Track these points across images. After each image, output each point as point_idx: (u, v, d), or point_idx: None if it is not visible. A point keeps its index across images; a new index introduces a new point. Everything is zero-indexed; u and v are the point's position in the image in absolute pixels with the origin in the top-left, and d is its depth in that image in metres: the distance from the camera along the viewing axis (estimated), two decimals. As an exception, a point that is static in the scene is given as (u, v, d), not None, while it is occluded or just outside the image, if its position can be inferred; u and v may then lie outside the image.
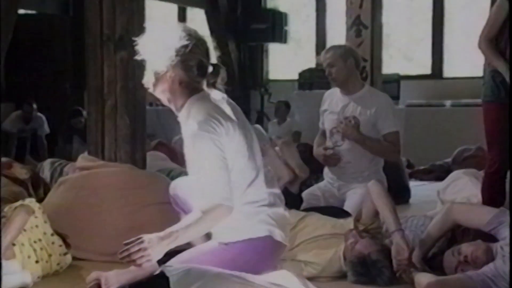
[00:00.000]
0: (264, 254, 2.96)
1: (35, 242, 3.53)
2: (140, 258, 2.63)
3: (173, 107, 3.02)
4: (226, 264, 2.82)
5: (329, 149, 4.73)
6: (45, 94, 10.64)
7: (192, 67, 2.91)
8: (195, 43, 2.91)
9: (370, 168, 4.68)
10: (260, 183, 2.98)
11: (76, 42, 10.65)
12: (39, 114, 10.23)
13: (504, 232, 3.20)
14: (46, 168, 6.03)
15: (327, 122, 4.83)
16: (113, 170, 4.21)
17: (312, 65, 10.78)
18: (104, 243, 3.88)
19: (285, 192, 4.07)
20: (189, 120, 2.90)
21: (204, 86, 2.98)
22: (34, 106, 10.12)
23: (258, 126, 10.32)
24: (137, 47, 2.96)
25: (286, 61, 11.75)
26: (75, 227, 3.96)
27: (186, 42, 2.89)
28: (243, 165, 2.92)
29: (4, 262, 3.29)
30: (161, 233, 2.70)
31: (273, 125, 10.21)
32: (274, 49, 11.64)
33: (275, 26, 10.69)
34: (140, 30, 3.05)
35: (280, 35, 10.79)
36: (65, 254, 3.68)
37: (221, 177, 2.79)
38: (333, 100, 4.81)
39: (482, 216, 3.33)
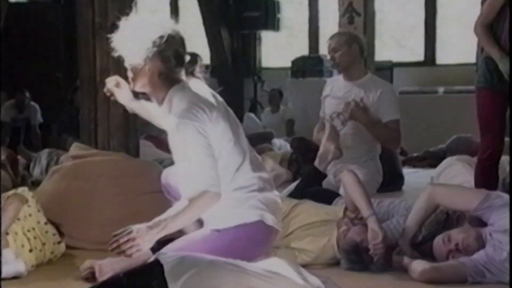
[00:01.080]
0: (257, 239, 2.99)
1: (28, 231, 3.52)
2: (129, 248, 2.64)
3: (154, 101, 3.05)
4: (219, 250, 2.83)
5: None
6: (38, 83, 10.61)
7: (169, 58, 2.93)
8: (170, 33, 2.93)
9: (368, 154, 4.69)
10: (247, 167, 3.00)
11: (68, 30, 10.61)
12: (32, 103, 10.19)
13: (493, 218, 3.20)
14: (43, 157, 6.04)
15: (328, 106, 4.82)
16: (107, 158, 4.21)
17: (305, 53, 10.78)
18: (97, 232, 3.88)
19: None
20: (171, 110, 2.92)
21: (183, 76, 3.00)
22: (27, 94, 10.08)
23: (251, 114, 10.34)
24: (112, 44, 2.97)
25: (279, 48, 11.70)
26: (69, 216, 3.95)
27: (161, 33, 2.90)
28: (230, 150, 2.95)
29: None
30: (150, 223, 2.72)
31: (267, 113, 10.21)
32: (267, 37, 11.59)
33: (267, 14, 10.65)
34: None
35: (272, 23, 10.74)
36: (58, 243, 3.67)
37: (206, 164, 2.81)
38: (335, 86, 4.82)
39: (468, 199, 3.33)
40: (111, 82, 3.37)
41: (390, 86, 4.86)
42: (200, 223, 3.08)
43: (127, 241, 2.64)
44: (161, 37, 2.90)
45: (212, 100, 3.00)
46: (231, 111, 3.11)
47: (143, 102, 3.41)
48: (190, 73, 3.02)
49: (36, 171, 6.14)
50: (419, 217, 3.45)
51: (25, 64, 10.81)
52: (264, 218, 2.98)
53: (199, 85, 3.04)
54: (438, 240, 3.37)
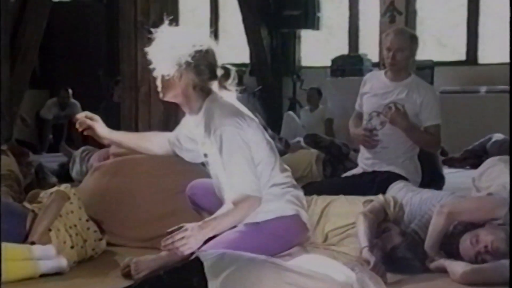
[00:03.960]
0: (294, 232, 3.12)
1: (70, 227, 3.56)
2: (183, 246, 2.76)
3: (186, 110, 3.14)
4: (259, 242, 2.95)
5: (367, 130, 4.65)
6: (79, 81, 10.74)
7: (204, 71, 3.04)
8: (204, 46, 3.03)
9: (406, 154, 4.62)
10: (279, 167, 3.14)
11: (109, 29, 10.72)
12: (74, 100, 10.32)
13: None
14: (77, 157, 6.06)
15: (367, 104, 4.74)
16: (146, 156, 4.21)
17: (345, 51, 10.72)
18: (138, 229, 3.91)
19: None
20: (211, 120, 3.01)
21: (215, 88, 3.10)
22: (70, 92, 10.22)
23: (291, 112, 10.31)
24: (149, 57, 3.06)
25: (318, 47, 11.66)
26: (110, 213, 3.98)
27: (195, 47, 3.00)
28: (267, 152, 3.09)
29: (40, 247, 3.35)
30: (200, 222, 2.86)
31: (305, 112, 10.18)
32: (306, 36, 11.56)
33: (307, 13, 10.62)
34: (174, 16, 3.08)
35: (312, 22, 10.72)
36: (100, 239, 3.70)
37: (249, 171, 2.95)
38: (375, 83, 4.72)
39: (489, 209, 3.31)
40: (83, 118, 3.45)
41: (433, 90, 4.77)
42: None
43: (181, 238, 2.75)
44: (196, 50, 2.99)
45: (244, 109, 3.14)
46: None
47: (123, 132, 3.55)
48: (223, 87, 3.12)
49: (74, 171, 6.16)
50: (439, 239, 3.43)
51: (66, 62, 10.96)
52: (300, 213, 3.12)
53: (231, 96, 3.14)
54: (465, 241, 3.34)
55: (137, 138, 3.58)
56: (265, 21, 11.11)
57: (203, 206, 3.32)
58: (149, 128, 4.32)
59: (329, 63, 10.36)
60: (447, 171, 6.32)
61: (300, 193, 3.20)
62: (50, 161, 7.29)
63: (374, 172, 4.56)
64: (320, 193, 3.98)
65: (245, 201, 2.92)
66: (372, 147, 4.64)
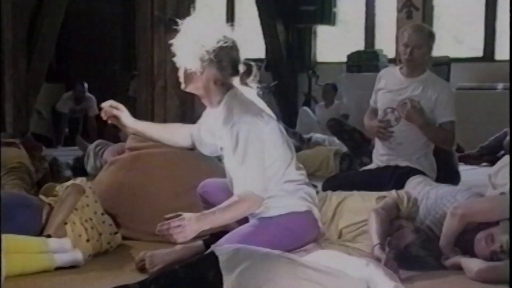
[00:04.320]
0: (306, 228, 3.14)
1: (86, 221, 3.58)
2: (177, 234, 2.81)
3: (206, 103, 3.19)
4: (273, 236, 2.99)
5: (382, 122, 4.62)
6: (94, 75, 10.77)
7: (226, 67, 3.06)
8: (228, 42, 3.04)
9: (421, 151, 4.61)
10: (294, 164, 3.17)
11: (125, 23, 10.73)
12: (89, 94, 10.35)
13: None
14: (91, 152, 6.07)
15: (382, 100, 4.72)
16: (163, 151, 4.21)
17: (361, 47, 10.68)
18: (153, 224, 3.86)
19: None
20: (229, 114, 3.03)
21: (236, 83, 3.12)
22: (86, 86, 10.25)
23: (306, 108, 10.29)
24: (172, 49, 3.08)
25: (334, 43, 11.61)
26: (125, 207, 4.00)
27: (219, 42, 3.01)
28: (284, 149, 3.12)
29: (56, 240, 3.37)
30: (198, 214, 2.90)
31: (321, 108, 10.15)
32: (322, 31, 11.52)
33: (323, 8, 10.59)
34: (190, 11, 3.08)
35: (328, 17, 10.68)
36: (115, 233, 3.72)
37: (258, 169, 2.97)
38: (390, 79, 4.70)
39: (502, 208, 3.27)
40: (108, 107, 3.45)
41: (449, 86, 4.75)
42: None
43: (178, 226, 2.80)
44: (220, 46, 3.01)
45: (263, 106, 3.16)
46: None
47: (147, 122, 3.57)
48: (244, 83, 3.16)
49: (89, 166, 6.16)
50: (453, 239, 3.43)
51: (82, 56, 10.99)
52: (312, 210, 3.16)
53: (252, 93, 3.17)
54: (480, 241, 3.33)
55: (161, 129, 3.58)
56: (281, 16, 11.08)
57: (215, 204, 3.29)
58: (164, 122, 4.31)
59: (345, 59, 10.32)
60: (463, 168, 6.27)
61: (312, 190, 3.23)
62: (66, 154, 7.32)
63: (395, 165, 4.54)
64: (339, 185, 4.01)
65: (247, 198, 2.95)
66: (385, 139, 4.63)
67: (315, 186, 3.63)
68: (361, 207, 3.69)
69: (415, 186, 4.09)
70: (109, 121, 3.48)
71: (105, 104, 3.46)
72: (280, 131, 3.13)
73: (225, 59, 3.04)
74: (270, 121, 3.08)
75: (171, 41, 3.08)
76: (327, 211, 3.68)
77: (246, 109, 3.02)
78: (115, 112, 3.43)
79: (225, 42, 3.03)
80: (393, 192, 3.72)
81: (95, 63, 10.99)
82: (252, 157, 2.96)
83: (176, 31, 3.08)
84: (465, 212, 3.42)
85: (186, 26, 3.07)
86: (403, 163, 4.56)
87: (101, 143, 6.17)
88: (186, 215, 2.85)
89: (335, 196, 3.80)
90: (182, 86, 3.15)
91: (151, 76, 4.33)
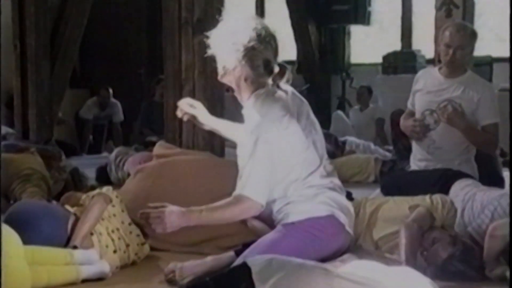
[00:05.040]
0: (329, 233, 3.09)
1: (113, 231, 3.54)
2: (155, 224, 2.92)
3: (238, 97, 3.24)
4: (296, 242, 2.99)
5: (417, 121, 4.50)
6: (119, 80, 10.72)
7: (259, 66, 3.10)
8: (265, 41, 3.08)
9: (461, 156, 4.47)
10: (320, 173, 3.16)
11: (151, 26, 10.68)
12: (114, 100, 10.30)
13: None
14: (112, 164, 5.91)
15: (420, 102, 4.60)
16: (191, 158, 4.18)
17: (397, 48, 10.53)
18: (181, 234, 3.78)
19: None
20: (249, 115, 3.13)
21: (269, 81, 3.16)
22: (110, 91, 10.19)
23: (339, 112, 10.17)
24: (208, 41, 3.15)
25: (369, 44, 11.53)
26: (153, 216, 3.91)
27: (255, 42, 3.05)
28: (304, 156, 3.11)
29: (83, 252, 3.34)
30: (184, 209, 2.97)
31: (355, 112, 10.04)
32: (356, 31, 11.42)
33: (357, 7, 10.52)
34: (219, 13, 3.10)
35: (363, 17, 10.60)
36: (142, 244, 3.67)
37: (263, 175, 3.00)
38: (429, 80, 4.59)
39: None
40: (185, 104, 3.54)
41: (491, 87, 4.62)
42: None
43: (156, 217, 2.90)
44: (253, 45, 3.06)
45: (292, 107, 3.13)
46: (314, 119, 3.25)
47: (222, 120, 3.63)
48: (276, 84, 3.17)
49: (112, 176, 6.00)
50: (497, 256, 3.31)
51: (107, 60, 10.96)
52: (335, 214, 3.11)
53: (282, 94, 3.17)
54: None
55: (233, 128, 3.60)
56: (313, 16, 11.02)
57: (259, 217, 3.32)
58: (192, 128, 4.26)
59: (380, 60, 10.21)
60: (507, 174, 6.08)
61: (339, 196, 3.19)
62: (90, 163, 7.17)
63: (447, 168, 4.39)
64: (389, 186, 4.12)
65: (243, 202, 2.98)
66: (419, 139, 4.52)
67: (349, 193, 3.58)
68: (395, 215, 3.64)
69: (463, 187, 3.99)
70: (185, 119, 3.58)
71: (182, 102, 3.54)
72: (304, 137, 3.12)
73: (258, 59, 3.09)
74: (291, 126, 3.07)
75: (207, 33, 3.14)
76: (362, 219, 3.67)
77: (264, 113, 3.05)
78: (192, 111, 3.51)
79: (259, 43, 3.07)
80: (427, 199, 3.65)
81: (120, 67, 10.94)
82: (261, 165, 3.00)
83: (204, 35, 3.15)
84: (505, 232, 3.29)
85: (223, 22, 3.13)
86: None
87: (120, 152, 6.00)
88: (169, 208, 2.93)
89: (369, 203, 3.78)
90: (219, 76, 3.22)
91: (179, 81, 4.29)
